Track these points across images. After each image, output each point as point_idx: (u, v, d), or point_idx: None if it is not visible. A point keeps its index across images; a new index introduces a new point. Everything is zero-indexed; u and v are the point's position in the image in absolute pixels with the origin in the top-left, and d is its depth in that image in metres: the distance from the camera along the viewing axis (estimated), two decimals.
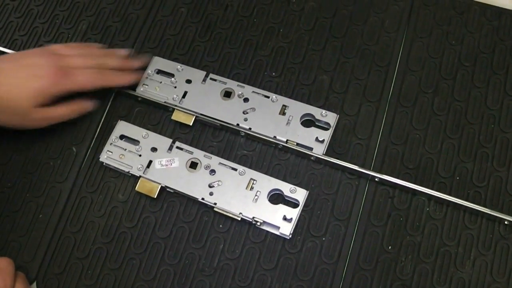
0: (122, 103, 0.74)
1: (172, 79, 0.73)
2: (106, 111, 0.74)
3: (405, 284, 0.65)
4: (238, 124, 0.71)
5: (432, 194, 0.67)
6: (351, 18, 0.78)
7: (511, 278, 0.64)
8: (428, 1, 0.77)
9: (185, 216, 0.69)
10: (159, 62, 0.75)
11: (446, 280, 0.65)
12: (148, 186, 0.68)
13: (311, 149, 0.70)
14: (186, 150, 0.70)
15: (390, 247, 0.66)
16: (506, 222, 0.66)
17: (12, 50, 0.78)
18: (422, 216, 0.67)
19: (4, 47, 0.78)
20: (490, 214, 0.66)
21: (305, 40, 0.77)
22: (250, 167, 0.70)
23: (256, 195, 0.68)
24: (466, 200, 0.67)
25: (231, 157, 0.71)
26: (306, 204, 0.68)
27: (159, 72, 0.74)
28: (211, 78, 0.74)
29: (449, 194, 0.67)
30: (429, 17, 0.77)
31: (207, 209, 0.68)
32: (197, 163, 0.70)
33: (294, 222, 0.67)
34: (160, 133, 0.72)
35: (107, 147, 0.71)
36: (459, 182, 0.68)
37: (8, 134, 0.71)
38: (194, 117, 0.72)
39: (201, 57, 0.76)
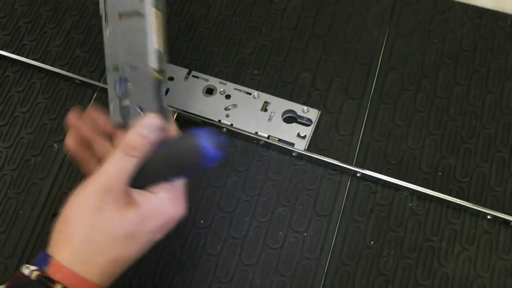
0: (102, 99, 0.74)
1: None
2: (88, 107, 0.74)
3: (388, 279, 0.64)
4: (220, 121, 0.71)
5: (415, 189, 0.67)
6: (333, 17, 0.78)
7: (494, 272, 0.64)
8: (410, 1, 0.78)
9: None
10: None
11: (430, 275, 0.64)
12: None
13: (292, 144, 0.69)
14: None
15: (372, 242, 0.66)
16: (489, 217, 0.66)
17: None
18: (404, 211, 0.67)
19: None
20: (473, 209, 0.66)
21: (288, 38, 0.77)
22: (232, 165, 0.69)
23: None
24: (449, 195, 0.66)
25: None
26: (288, 199, 0.67)
27: None
28: (193, 76, 0.74)
29: (432, 189, 0.67)
30: (411, 16, 0.77)
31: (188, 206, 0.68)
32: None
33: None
34: None
35: None
36: (442, 177, 0.68)
37: None
38: (176, 113, 0.71)
39: (184, 55, 0.76)
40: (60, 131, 0.73)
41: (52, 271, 0.50)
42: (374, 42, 0.76)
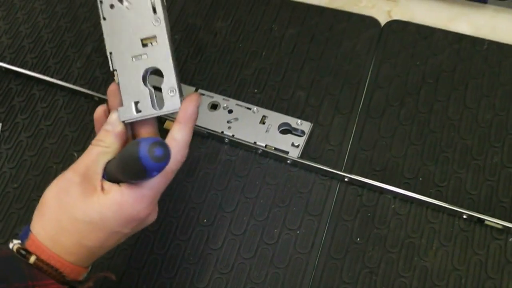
0: None
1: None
2: None
3: (372, 272, 0.70)
4: (222, 132, 0.79)
5: (398, 191, 0.74)
6: (326, 43, 0.86)
7: (470, 266, 0.70)
8: (396, 28, 0.86)
9: (174, 211, 0.76)
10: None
11: (411, 268, 0.70)
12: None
13: (287, 153, 0.77)
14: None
15: (358, 239, 0.72)
16: (465, 216, 0.72)
17: (23, 69, 0.88)
18: (388, 212, 0.74)
19: (17, 66, 0.89)
20: (451, 209, 0.72)
21: (285, 61, 0.85)
22: (233, 171, 0.77)
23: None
24: (429, 197, 0.73)
25: (216, 162, 0.78)
26: (283, 200, 0.75)
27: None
28: (200, 93, 0.82)
29: (413, 192, 0.73)
30: (396, 41, 0.85)
31: (193, 206, 0.75)
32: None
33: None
34: None
35: None
36: (422, 182, 0.75)
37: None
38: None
39: (192, 75, 0.85)
40: (80, 142, 0.81)
41: (29, 244, 0.57)
42: (362, 64, 0.84)
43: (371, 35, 0.86)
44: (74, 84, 0.86)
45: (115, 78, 0.63)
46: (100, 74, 0.87)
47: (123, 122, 0.63)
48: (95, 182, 0.59)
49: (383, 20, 0.88)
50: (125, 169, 0.55)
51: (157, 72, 0.63)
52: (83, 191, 0.57)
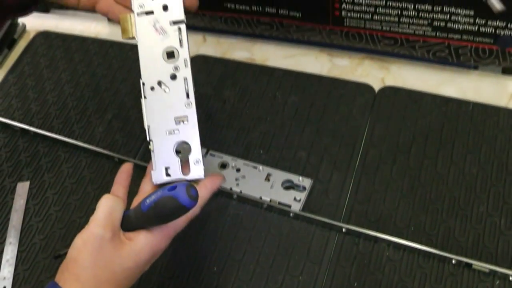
0: (136, 172, 0.88)
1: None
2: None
3: None
4: (231, 188, 0.87)
5: (391, 240, 0.80)
6: (325, 108, 0.95)
7: None
8: (389, 93, 0.95)
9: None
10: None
11: None
12: None
13: (290, 206, 0.84)
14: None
15: (356, 283, 0.78)
16: (454, 261, 0.78)
17: (50, 132, 0.97)
18: (382, 258, 0.80)
19: (45, 130, 0.98)
20: (441, 255, 0.78)
21: (288, 125, 0.94)
22: (241, 224, 0.84)
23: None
24: (420, 244, 0.79)
25: (225, 215, 0.86)
26: (286, 250, 0.81)
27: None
28: (210, 154, 0.91)
29: (406, 240, 0.80)
30: (389, 105, 0.93)
31: (204, 255, 0.82)
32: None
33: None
34: None
35: None
36: (414, 230, 0.81)
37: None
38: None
39: (203, 138, 0.91)
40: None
41: None
42: (358, 126, 0.92)
43: (366, 100, 0.95)
44: (96, 146, 0.96)
45: (150, 146, 0.74)
46: (119, 137, 0.96)
47: (155, 184, 0.73)
48: (120, 235, 0.66)
49: (377, 86, 0.96)
50: (161, 213, 0.64)
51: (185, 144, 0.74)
52: (115, 246, 0.64)
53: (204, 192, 0.71)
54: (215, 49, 1.08)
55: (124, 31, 0.75)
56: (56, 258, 0.77)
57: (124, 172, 0.75)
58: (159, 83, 0.73)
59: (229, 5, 1.00)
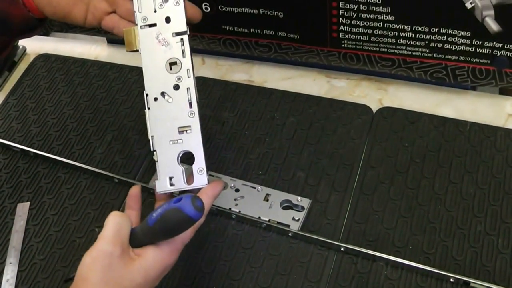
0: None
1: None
2: (125, 202, 0.91)
3: None
4: (230, 208, 0.87)
5: (389, 259, 0.81)
6: (323, 129, 0.96)
7: None
8: (386, 114, 0.96)
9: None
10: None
11: None
12: None
13: (288, 226, 0.85)
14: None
15: None
16: (452, 280, 0.78)
17: (50, 154, 0.98)
18: (381, 277, 0.80)
19: (45, 151, 0.99)
20: (439, 274, 0.78)
21: (286, 146, 0.95)
22: (240, 244, 0.85)
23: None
24: (418, 263, 0.80)
25: (224, 235, 0.86)
26: (284, 269, 0.82)
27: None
28: (210, 175, 0.91)
29: (403, 259, 0.80)
30: (386, 126, 0.94)
31: (203, 275, 0.83)
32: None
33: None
34: None
35: None
36: (412, 250, 0.82)
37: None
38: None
39: None
40: (101, 219, 0.90)
41: None
42: (356, 147, 0.93)
43: (364, 121, 0.96)
44: (96, 167, 0.96)
45: (154, 157, 0.74)
46: (119, 158, 0.97)
47: (158, 193, 0.74)
48: (129, 251, 0.66)
49: (374, 107, 0.97)
50: (168, 225, 0.64)
51: (189, 154, 0.74)
52: (125, 263, 0.64)
53: (206, 200, 0.70)
54: (214, 71, 1.09)
55: (128, 44, 0.76)
56: (66, 281, 0.77)
57: (133, 196, 0.75)
58: (163, 94, 0.74)
59: (227, 28, 1.01)
